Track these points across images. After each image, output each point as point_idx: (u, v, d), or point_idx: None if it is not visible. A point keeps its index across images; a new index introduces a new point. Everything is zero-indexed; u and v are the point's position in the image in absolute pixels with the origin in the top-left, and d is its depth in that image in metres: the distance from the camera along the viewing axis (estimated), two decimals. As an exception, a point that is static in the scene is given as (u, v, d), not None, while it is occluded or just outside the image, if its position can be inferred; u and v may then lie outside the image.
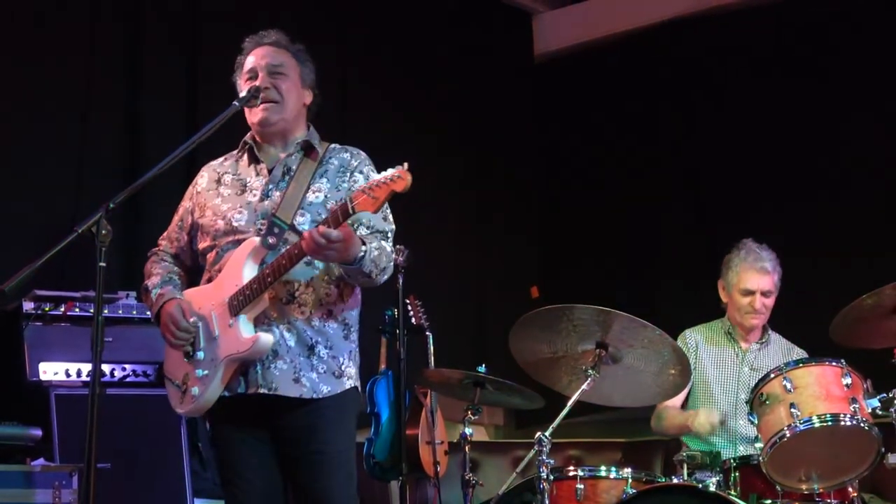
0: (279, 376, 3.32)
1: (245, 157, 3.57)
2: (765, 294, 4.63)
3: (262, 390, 3.32)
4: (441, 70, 6.84)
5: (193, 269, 3.61)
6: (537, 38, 7.55)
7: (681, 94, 6.88)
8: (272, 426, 3.38)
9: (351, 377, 3.44)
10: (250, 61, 3.54)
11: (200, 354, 3.37)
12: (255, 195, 3.46)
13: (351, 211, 3.10)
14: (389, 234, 3.43)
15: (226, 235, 3.44)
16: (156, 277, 3.53)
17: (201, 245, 3.52)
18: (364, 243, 3.25)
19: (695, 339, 4.77)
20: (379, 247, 3.32)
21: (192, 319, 3.38)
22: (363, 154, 3.58)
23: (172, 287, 3.50)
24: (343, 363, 3.41)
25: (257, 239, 3.35)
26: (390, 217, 3.48)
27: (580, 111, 7.28)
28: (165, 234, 3.68)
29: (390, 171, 3.10)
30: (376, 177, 3.10)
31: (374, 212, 3.11)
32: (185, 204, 3.63)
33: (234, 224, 3.43)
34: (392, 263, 3.41)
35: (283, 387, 3.32)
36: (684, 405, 4.74)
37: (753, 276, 4.63)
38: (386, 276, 3.40)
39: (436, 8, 6.91)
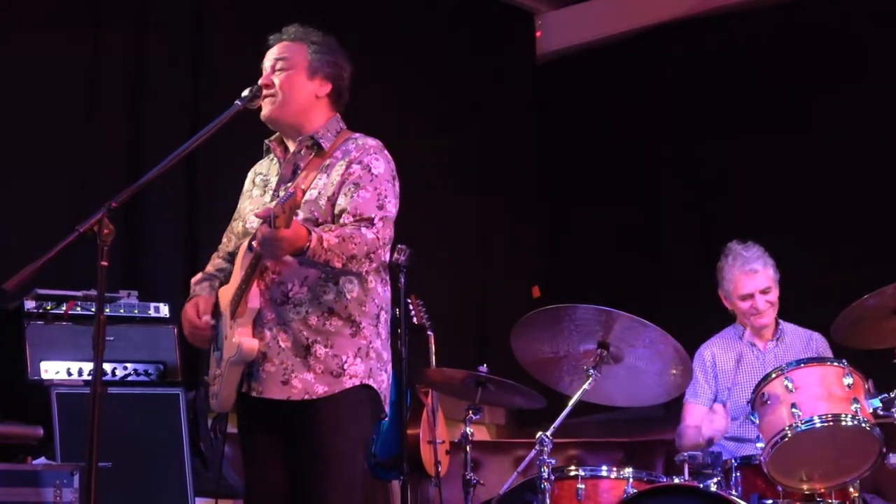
0: (266, 379, 3.29)
1: (272, 155, 3.53)
2: (764, 292, 4.56)
3: (253, 393, 3.32)
4: (442, 69, 6.82)
5: None
6: (540, 38, 7.54)
7: (684, 95, 6.87)
8: (280, 427, 3.36)
9: (356, 375, 3.27)
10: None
11: (218, 354, 3.39)
12: (269, 195, 3.43)
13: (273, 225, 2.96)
14: (377, 220, 3.24)
15: (242, 238, 3.44)
16: (201, 274, 3.55)
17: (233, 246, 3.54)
18: (310, 233, 3.07)
19: (711, 354, 4.66)
20: (344, 234, 3.15)
21: (204, 318, 3.39)
22: (372, 143, 3.38)
23: (209, 286, 3.49)
24: (346, 361, 3.27)
25: (246, 243, 3.34)
26: (390, 202, 3.30)
27: (583, 111, 7.26)
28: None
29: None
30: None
31: (287, 226, 2.96)
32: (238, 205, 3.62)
33: (247, 226, 3.42)
34: (374, 249, 3.20)
35: (269, 390, 3.29)
36: None
37: (746, 280, 4.55)
38: (366, 263, 3.21)
39: (437, 7, 6.90)
